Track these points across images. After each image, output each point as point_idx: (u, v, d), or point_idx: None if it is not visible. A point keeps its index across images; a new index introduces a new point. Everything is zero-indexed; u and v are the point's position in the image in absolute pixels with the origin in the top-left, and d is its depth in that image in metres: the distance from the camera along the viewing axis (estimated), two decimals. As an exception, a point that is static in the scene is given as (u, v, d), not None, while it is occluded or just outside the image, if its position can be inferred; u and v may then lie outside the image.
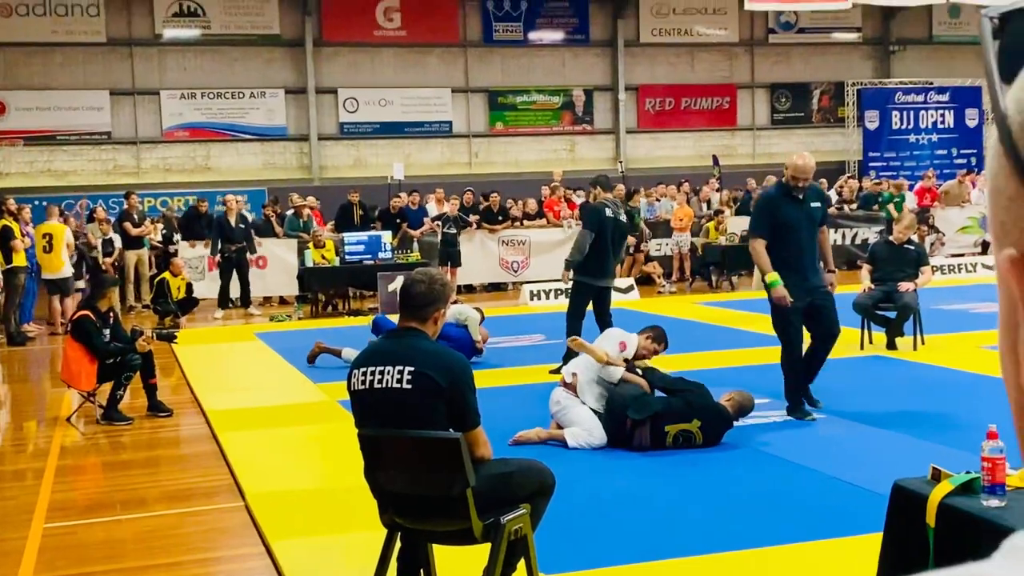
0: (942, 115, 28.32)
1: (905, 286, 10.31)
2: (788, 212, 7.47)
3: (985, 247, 20.04)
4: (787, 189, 7.56)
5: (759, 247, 7.50)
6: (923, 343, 10.48)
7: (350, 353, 10.70)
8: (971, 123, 28.46)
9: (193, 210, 18.37)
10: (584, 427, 6.98)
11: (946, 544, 3.17)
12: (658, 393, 7.04)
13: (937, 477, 3.31)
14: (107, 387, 8.88)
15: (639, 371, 7.17)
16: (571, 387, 7.19)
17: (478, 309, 11.37)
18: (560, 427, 7.17)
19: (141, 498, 6.63)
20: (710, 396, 6.99)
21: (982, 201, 20.83)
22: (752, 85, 29.50)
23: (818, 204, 7.73)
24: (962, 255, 19.73)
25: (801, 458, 6.51)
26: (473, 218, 18.60)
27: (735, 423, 7.01)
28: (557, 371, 9.85)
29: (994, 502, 3.09)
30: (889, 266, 10.55)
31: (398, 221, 18.02)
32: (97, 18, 24.74)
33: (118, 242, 17.14)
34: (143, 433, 8.54)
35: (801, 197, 7.52)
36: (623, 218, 10.26)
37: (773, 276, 7.42)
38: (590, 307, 9.97)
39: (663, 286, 18.10)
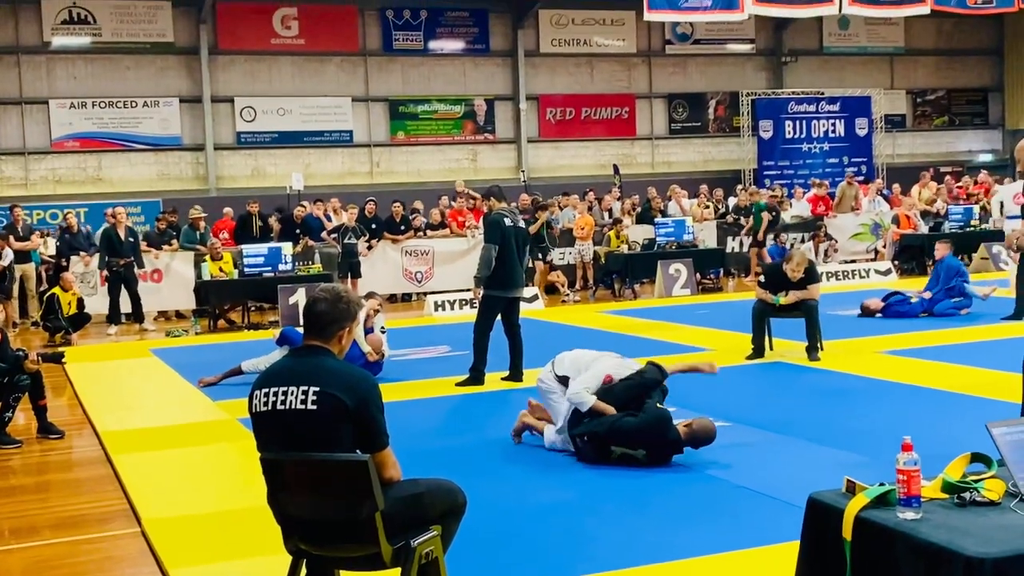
0: (833, 124, 29.06)
1: (792, 296, 10.49)
2: None
3: (876, 253, 20.57)
4: None
5: None
6: (822, 348, 10.63)
7: (250, 364, 10.37)
8: (861, 132, 29.25)
9: (66, 228, 17.73)
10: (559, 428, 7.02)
11: (863, 557, 3.16)
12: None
13: (852, 490, 3.31)
14: (-7, 409, 8.52)
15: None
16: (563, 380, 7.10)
17: (377, 310, 10.56)
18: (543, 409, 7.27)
19: (31, 525, 6.33)
20: (668, 429, 6.56)
21: (873, 208, 21.40)
22: (650, 95, 29.87)
23: None
24: (855, 261, 20.20)
25: (712, 468, 6.50)
26: (362, 229, 18.27)
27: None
28: (464, 383, 9.76)
29: (910, 514, 3.10)
30: (780, 288, 10.67)
31: (297, 232, 17.71)
32: (-19, 25, 23.91)
33: (7, 258, 16.47)
34: (33, 456, 8.20)
35: None
36: (522, 224, 10.29)
37: None
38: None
39: (567, 295, 18.15)
